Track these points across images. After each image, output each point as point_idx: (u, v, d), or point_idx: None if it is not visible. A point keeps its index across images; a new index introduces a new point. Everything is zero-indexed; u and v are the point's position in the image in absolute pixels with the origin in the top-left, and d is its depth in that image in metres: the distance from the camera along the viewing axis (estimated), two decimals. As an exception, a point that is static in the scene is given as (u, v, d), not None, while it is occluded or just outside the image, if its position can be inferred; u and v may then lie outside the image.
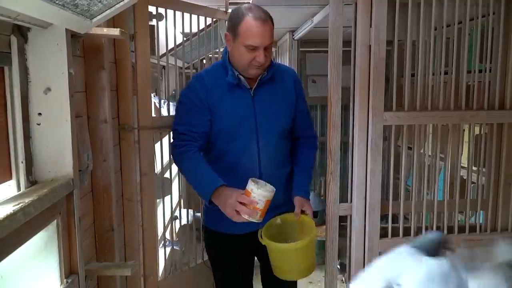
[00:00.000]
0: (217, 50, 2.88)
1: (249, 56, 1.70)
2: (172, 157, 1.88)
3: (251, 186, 1.59)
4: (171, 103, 2.61)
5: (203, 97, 1.79)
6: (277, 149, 1.90)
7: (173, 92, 3.41)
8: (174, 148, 1.84)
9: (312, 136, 2.07)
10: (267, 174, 1.82)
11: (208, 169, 1.76)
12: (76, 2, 1.12)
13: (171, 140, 1.93)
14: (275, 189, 1.64)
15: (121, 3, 1.32)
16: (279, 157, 1.91)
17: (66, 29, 1.34)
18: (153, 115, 2.30)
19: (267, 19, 1.69)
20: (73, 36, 1.44)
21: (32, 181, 1.36)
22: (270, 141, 1.85)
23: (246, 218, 1.59)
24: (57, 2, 1.07)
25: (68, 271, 1.44)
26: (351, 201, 2.11)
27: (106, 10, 1.31)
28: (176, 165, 1.88)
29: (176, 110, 1.88)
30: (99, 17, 1.34)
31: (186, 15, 2.43)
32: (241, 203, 1.59)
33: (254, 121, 1.82)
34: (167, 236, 3.11)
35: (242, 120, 1.82)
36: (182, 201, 2.79)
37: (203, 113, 1.79)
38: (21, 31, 1.30)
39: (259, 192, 1.58)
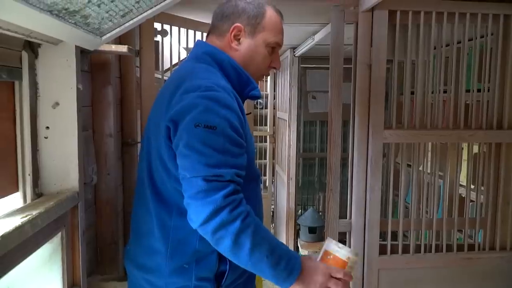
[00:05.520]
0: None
1: (268, 59, 1.32)
2: (218, 225, 1.06)
3: (346, 252, 1.16)
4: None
5: (242, 121, 1.18)
6: None
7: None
8: (221, 211, 1.06)
9: None
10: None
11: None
12: (88, 21, 1.16)
13: (203, 196, 1.07)
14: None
15: (131, 22, 1.35)
16: None
17: (76, 46, 1.38)
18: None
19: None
20: (81, 52, 1.47)
21: (38, 194, 1.38)
22: None
23: None
24: (70, 21, 1.11)
25: (71, 283, 1.45)
26: (350, 218, 2.13)
27: (116, 28, 1.35)
28: (229, 237, 1.07)
29: (207, 141, 1.09)
30: (108, 35, 1.37)
31: (190, 32, 2.48)
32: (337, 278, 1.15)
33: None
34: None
35: (254, 151, 1.36)
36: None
37: (245, 147, 1.18)
38: (32, 47, 1.33)
39: (355, 260, 1.17)
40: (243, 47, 1.29)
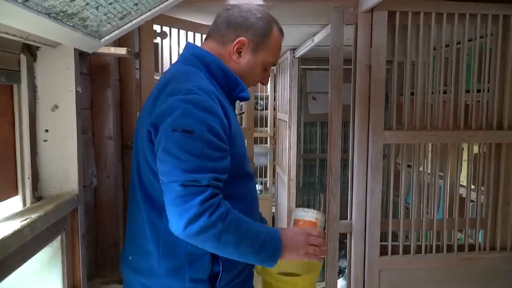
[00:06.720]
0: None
1: (261, 75, 1.34)
2: (199, 230, 1.06)
3: (313, 214, 1.32)
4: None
5: (225, 124, 1.16)
6: None
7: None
8: (199, 217, 1.05)
9: None
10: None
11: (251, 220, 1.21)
12: (86, 23, 1.16)
13: (181, 202, 1.06)
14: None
15: (129, 24, 1.35)
16: None
17: (75, 48, 1.37)
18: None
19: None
20: (80, 55, 1.47)
21: (37, 197, 1.38)
22: None
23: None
24: (68, 23, 1.10)
25: (71, 287, 1.45)
26: (351, 219, 2.13)
27: (114, 31, 1.35)
28: (213, 239, 1.08)
29: (184, 146, 1.08)
30: (107, 37, 1.37)
31: (190, 34, 2.48)
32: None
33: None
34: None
35: (246, 151, 1.35)
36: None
37: (227, 150, 1.16)
38: (30, 50, 1.33)
39: (323, 219, 1.33)
40: (243, 61, 1.28)
